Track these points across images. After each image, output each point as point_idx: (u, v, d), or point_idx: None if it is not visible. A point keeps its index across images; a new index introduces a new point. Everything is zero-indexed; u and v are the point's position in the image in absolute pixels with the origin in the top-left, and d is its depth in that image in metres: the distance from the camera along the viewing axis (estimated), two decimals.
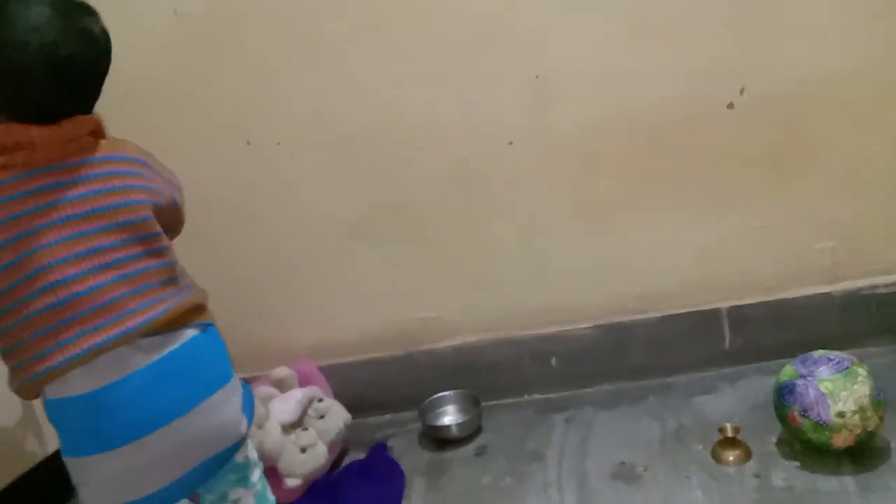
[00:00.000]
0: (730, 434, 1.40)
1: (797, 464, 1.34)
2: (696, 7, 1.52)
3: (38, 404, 1.06)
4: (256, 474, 1.16)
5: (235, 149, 1.67)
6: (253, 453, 1.16)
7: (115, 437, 0.98)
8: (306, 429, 1.56)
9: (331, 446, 1.59)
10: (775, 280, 1.66)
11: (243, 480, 1.13)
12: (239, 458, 1.11)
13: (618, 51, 1.55)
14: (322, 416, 1.61)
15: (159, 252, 1.06)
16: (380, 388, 1.80)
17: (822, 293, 1.65)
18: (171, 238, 1.13)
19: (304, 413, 1.59)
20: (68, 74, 0.99)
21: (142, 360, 0.99)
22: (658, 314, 1.70)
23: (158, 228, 1.06)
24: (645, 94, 1.57)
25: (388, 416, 1.80)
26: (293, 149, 1.67)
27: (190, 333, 1.05)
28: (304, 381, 1.70)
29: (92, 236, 0.99)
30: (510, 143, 1.62)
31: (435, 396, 1.74)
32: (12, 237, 0.95)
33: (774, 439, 1.42)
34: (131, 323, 0.99)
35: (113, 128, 1.68)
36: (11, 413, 1.59)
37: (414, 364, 1.79)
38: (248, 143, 1.68)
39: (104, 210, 1.00)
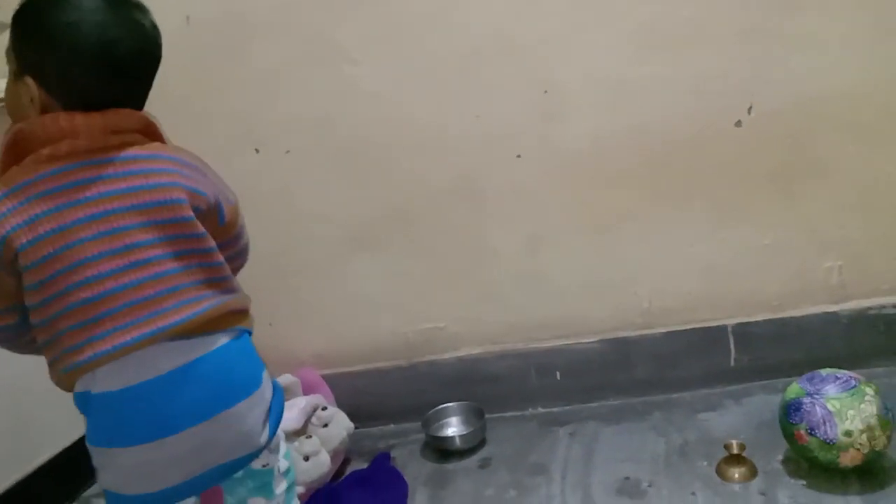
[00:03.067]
0: (735, 451, 1.39)
1: (803, 482, 1.33)
2: (705, 23, 1.52)
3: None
4: (282, 486, 1.13)
5: (245, 157, 1.69)
6: (282, 463, 1.13)
7: (136, 435, 0.98)
8: (310, 437, 1.56)
9: (334, 455, 1.59)
10: (782, 298, 1.66)
11: (264, 490, 1.10)
12: (257, 465, 1.08)
13: (626, 66, 1.56)
14: (325, 425, 1.60)
15: (202, 252, 1.04)
16: (383, 398, 1.80)
17: (829, 312, 1.65)
18: (230, 259, 1.12)
19: (307, 421, 1.59)
20: (114, 59, 0.99)
21: (169, 362, 0.99)
22: (664, 329, 1.70)
23: (201, 229, 1.04)
24: (653, 110, 1.58)
25: (391, 427, 1.80)
26: (302, 157, 1.69)
27: (222, 339, 1.03)
28: (307, 390, 1.70)
29: (130, 232, 0.98)
30: (518, 156, 1.63)
31: (439, 407, 1.74)
32: (53, 229, 0.95)
33: (780, 457, 1.41)
34: (163, 322, 0.98)
35: None
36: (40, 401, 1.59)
37: (417, 375, 1.79)
38: (258, 151, 1.69)
39: (144, 207, 0.99)
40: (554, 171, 1.64)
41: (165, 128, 1.66)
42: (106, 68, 0.99)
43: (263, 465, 1.10)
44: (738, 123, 1.57)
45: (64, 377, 0.99)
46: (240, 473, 1.07)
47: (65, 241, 0.95)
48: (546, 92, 1.58)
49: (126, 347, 0.96)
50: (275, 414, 1.10)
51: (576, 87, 1.58)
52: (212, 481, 1.04)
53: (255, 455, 1.07)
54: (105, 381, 0.98)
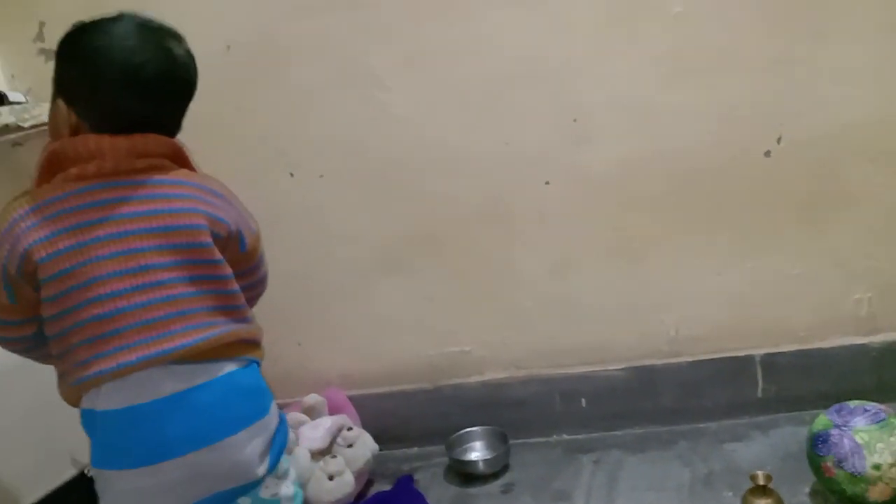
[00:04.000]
0: (761, 482, 1.37)
1: None
2: (734, 51, 1.53)
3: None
4: None
5: (280, 180, 1.73)
6: (288, 489, 1.13)
7: (133, 457, 0.99)
8: (335, 456, 1.57)
9: (358, 475, 1.60)
10: (810, 329, 1.65)
11: None
12: (265, 494, 1.08)
13: (655, 92, 1.57)
14: (350, 445, 1.62)
15: (216, 279, 1.05)
16: (407, 421, 1.81)
17: (858, 344, 1.63)
18: (249, 287, 1.15)
19: (333, 441, 1.60)
20: (140, 82, 1.02)
21: (172, 386, 0.99)
22: (690, 358, 1.69)
23: (218, 256, 1.05)
24: (681, 137, 1.59)
25: (415, 449, 1.80)
26: (334, 180, 1.72)
27: (228, 367, 1.04)
28: (333, 410, 1.72)
29: (145, 254, 1.00)
30: (547, 182, 1.65)
31: (463, 431, 1.75)
32: (72, 245, 0.98)
33: (807, 489, 1.39)
34: (169, 345, 0.99)
35: None
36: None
37: (442, 398, 1.80)
38: (292, 174, 1.73)
39: (161, 230, 1.01)
40: (582, 197, 1.65)
41: (203, 149, 1.72)
42: (131, 91, 1.02)
43: (273, 495, 1.09)
44: (768, 153, 1.57)
45: (70, 391, 1.01)
46: (248, 502, 1.07)
47: (82, 257, 0.98)
48: (575, 120, 1.60)
49: (129, 367, 0.97)
50: (277, 445, 1.09)
51: (605, 112, 1.60)
52: None
53: (252, 485, 1.06)
54: (108, 399, 0.99)
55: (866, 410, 1.31)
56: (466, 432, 1.75)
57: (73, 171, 1.00)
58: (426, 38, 1.61)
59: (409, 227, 1.73)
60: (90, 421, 1.01)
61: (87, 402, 1.01)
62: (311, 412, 1.67)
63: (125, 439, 0.99)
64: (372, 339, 1.81)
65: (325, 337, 1.82)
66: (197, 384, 1.00)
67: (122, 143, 1.01)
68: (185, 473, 0.99)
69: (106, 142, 1.01)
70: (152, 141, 1.05)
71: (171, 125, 1.10)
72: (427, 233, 1.73)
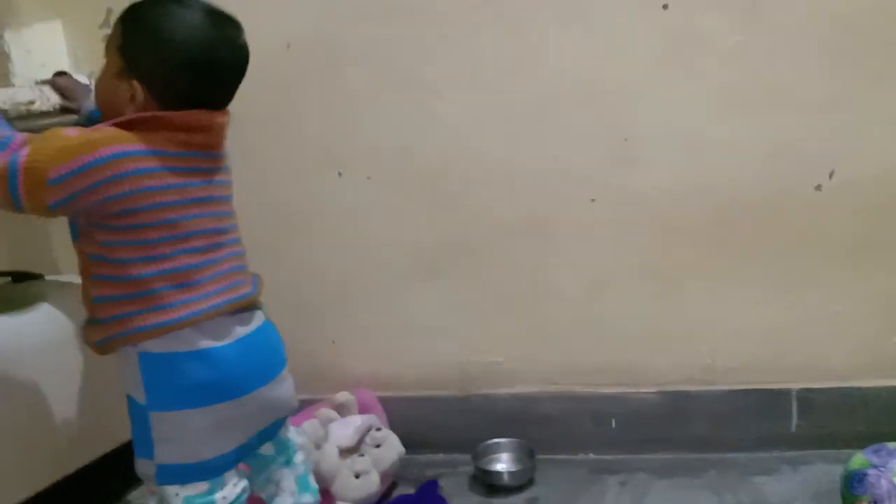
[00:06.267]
0: None
1: None
2: (788, 88, 1.54)
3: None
4: (300, 456, 1.28)
5: (328, 179, 1.75)
6: (296, 437, 1.28)
7: (220, 393, 1.08)
8: (362, 455, 1.58)
9: (383, 476, 1.61)
10: (848, 367, 1.64)
11: (288, 461, 1.26)
12: (283, 434, 1.24)
13: (706, 123, 1.58)
14: (378, 445, 1.63)
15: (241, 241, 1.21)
16: (435, 427, 1.81)
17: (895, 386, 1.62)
18: None
19: (361, 440, 1.61)
20: (218, 75, 1.11)
21: (241, 329, 1.13)
22: (725, 388, 1.68)
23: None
24: (729, 169, 1.59)
25: (441, 456, 1.80)
26: (380, 183, 1.74)
27: (262, 315, 1.19)
28: (362, 409, 1.73)
29: (223, 217, 1.15)
30: (592, 199, 1.66)
31: (490, 442, 1.75)
32: (176, 200, 1.06)
33: None
34: (236, 293, 1.13)
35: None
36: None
37: (471, 407, 1.80)
38: (340, 174, 1.75)
39: (228, 198, 1.18)
40: (625, 218, 1.66)
41: (255, 143, 1.77)
42: (209, 82, 1.10)
43: (286, 436, 1.25)
44: (819, 188, 1.57)
45: (140, 334, 1.05)
46: (270, 451, 1.23)
47: (184, 212, 1.07)
48: (626, 140, 1.61)
49: (215, 309, 1.08)
50: None
51: (654, 138, 1.60)
52: (250, 450, 1.17)
53: (284, 420, 1.23)
54: (195, 340, 1.07)
55: None
56: (494, 443, 1.75)
57: (182, 136, 1.08)
58: (482, 50, 1.63)
59: (449, 235, 1.74)
60: (163, 364, 1.06)
61: (159, 346, 1.05)
62: (342, 409, 1.68)
63: (211, 378, 1.07)
64: (405, 342, 1.82)
65: (359, 337, 1.84)
66: (254, 328, 1.15)
67: (222, 120, 1.13)
68: (257, 405, 1.13)
69: (217, 119, 1.12)
70: (227, 118, 1.16)
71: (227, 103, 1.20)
72: (467, 242, 1.74)
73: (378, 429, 1.65)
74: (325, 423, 1.62)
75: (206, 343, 1.07)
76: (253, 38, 1.69)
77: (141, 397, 1.07)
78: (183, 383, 1.06)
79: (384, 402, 1.79)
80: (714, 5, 1.52)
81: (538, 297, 1.74)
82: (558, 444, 1.75)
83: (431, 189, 1.72)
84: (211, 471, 1.10)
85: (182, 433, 1.07)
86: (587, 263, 1.70)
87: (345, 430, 1.60)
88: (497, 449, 1.75)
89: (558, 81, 1.62)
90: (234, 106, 1.73)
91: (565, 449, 1.75)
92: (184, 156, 1.08)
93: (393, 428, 1.74)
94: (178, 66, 1.06)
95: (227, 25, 1.12)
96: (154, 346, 1.05)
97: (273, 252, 1.81)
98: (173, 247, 1.06)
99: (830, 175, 1.56)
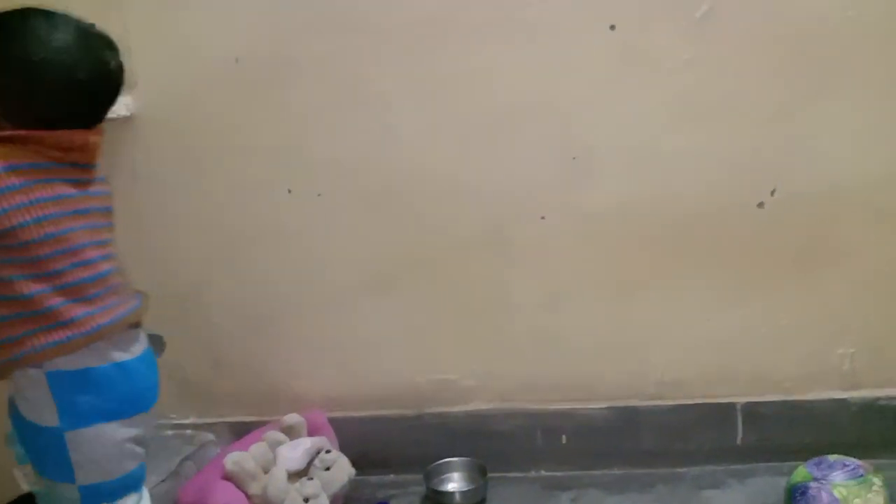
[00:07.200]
0: None
1: None
2: (737, 100, 1.56)
3: None
4: None
5: (278, 195, 1.72)
6: None
7: (135, 404, 1.10)
8: (311, 479, 1.55)
9: (333, 500, 1.58)
10: (793, 380, 1.67)
11: None
12: None
13: (656, 137, 1.60)
14: (328, 468, 1.59)
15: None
16: (387, 447, 1.79)
17: (839, 399, 1.66)
18: None
19: (310, 463, 1.58)
20: (79, 95, 1.08)
21: (139, 345, 1.14)
22: (673, 402, 1.70)
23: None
24: (679, 181, 1.61)
25: (392, 477, 1.78)
26: (332, 200, 1.71)
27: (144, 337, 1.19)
28: (312, 431, 1.70)
29: (102, 230, 1.13)
30: (542, 217, 1.66)
31: (441, 461, 1.73)
32: (56, 213, 1.04)
33: None
34: (130, 307, 1.13)
35: (169, 162, 1.75)
36: None
37: (424, 426, 1.78)
38: (290, 191, 1.73)
39: (106, 210, 1.16)
40: (578, 233, 1.67)
41: (206, 161, 1.73)
42: (70, 105, 1.07)
43: None
44: (761, 205, 1.60)
45: (50, 352, 1.02)
46: None
47: (67, 225, 1.05)
48: (575, 158, 1.62)
49: (119, 322, 1.09)
50: None
51: (606, 152, 1.62)
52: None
53: None
54: (106, 353, 1.07)
55: (845, 465, 1.33)
56: (445, 462, 1.74)
57: (56, 153, 1.05)
58: (433, 66, 1.63)
59: (401, 251, 1.73)
60: (76, 380, 1.04)
61: (69, 364, 1.03)
62: (291, 432, 1.65)
63: (125, 390, 1.08)
64: (359, 361, 1.79)
65: (313, 356, 1.81)
66: (145, 346, 1.16)
67: (96, 139, 1.11)
68: (153, 418, 1.17)
69: (91, 139, 1.09)
70: (102, 136, 1.13)
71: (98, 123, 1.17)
72: (419, 258, 1.73)
73: (328, 451, 1.62)
74: (274, 446, 1.59)
75: (119, 356, 1.08)
76: (201, 52, 1.69)
77: (51, 420, 1.03)
78: (101, 397, 1.05)
79: (336, 422, 1.76)
80: (660, 24, 1.55)
81: (492, 312, 1.74)
82: (511, 461, 1.75)
83: (383, 205, 1.71)
84: (135, 483, 1.10)
85: (103, 449, 1.05)
86: (542, 278, 1.71)
87: (293, 453, 1.56)
88: (449, 468, 1.74)
89: (510, 97, 1.62)
90: (183, 120, 1.71)
91: (518, 466, 1.75)
92: (56, 167, 1.06)
93: (344, 448, 1.72)
94: (34, 88, 1.03)
95: (98, 47, 1.09)
96: (64, 363, 1.02)
97: (222, 270, 1.78)
98: (66, 261, 1.05)
99: (773, 189, 1.59)
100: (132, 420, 1.09)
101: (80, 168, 1.10)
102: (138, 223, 1.72)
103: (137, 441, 1.11)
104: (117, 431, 1.06)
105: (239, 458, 1.51)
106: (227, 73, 1.67)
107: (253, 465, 1.52)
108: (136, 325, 1.16)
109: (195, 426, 1.84)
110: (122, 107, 1.67)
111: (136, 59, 1.67)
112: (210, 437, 1.80)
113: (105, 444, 1.06)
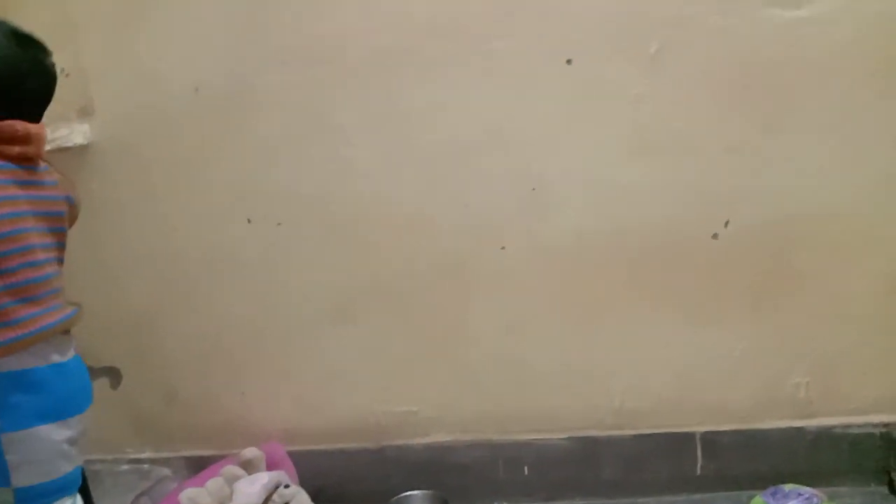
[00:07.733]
0: None
1: None
2: (692, 135, 1.59)
3: None
4: None
5: (237, 225, 1.71)
6: None
7: (72, 406, 1.11)
8: None
9: None
10: (750, 409, 1.68)
11: None
12: None
13: (613, 169, 1.61)
14: (287, 503, 1.57)
15: (62, 262, 1.20)
16: (347, 481, 1.76)
17: (795, 427, 1.67)
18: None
19: (268, 498, 1.55)
20: (19, 91, 1.11)
21: (72, 350, 1.15)
22: (633, 432, 1.71)
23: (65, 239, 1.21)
24: (635, 213, 1.63)
25: None
26: (291, 230, 1.71)
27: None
28: (271, 465, 1.67)
29: (47, 233, 1.14)
30: (503, 247, 1.67)
31: (402, 495, 1.71)
32: (9, 213, 1.06)
33: None
34: (69, 311, 1.14)
35: (126, 190, 1.74)
36: None
37: (384, 459, 1.76)
38: (249, 221, 1.71)
39: (52, 214, 1.16)
40: (537, 264, 1.68)
41: (165, 189, 1.71)
42: (13, 101, 1.11)
43: None
44: (715, 236, 1.63)
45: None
46: None
47: (19, 225, 1.07)
48: (534, 189, 1.64)
49: (59, 325, 1.10)
50: None
51: (564, 185, 1.64)
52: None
53: None
54: (51, 353, 1.08)
55: (800, 495, 1.35)
56: (406, 496, 1.71)
57: (3, 147, 1.07)
58: (393, 98, 1.64)
59: (361, 282, 1.72)
60: (20, 380, 1.04)
61: (12, 364, 1.03)
62: (249, 466, 1.62)
63: (69, 389, 1.11)
64: (318, 393, 1.77)
65: (270, 389, 1.78)
66: (76, 354, 1.16)
67: (39, 130, 1.13)
68: (84, 429, 1.15)
69: (33, 129, 1.11)
70: (45, 131, 1.16)
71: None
72: (379, 288, 1.72)
73: (286, 485, 1.59)
74: (231, 481, 1.55)
75: (57, 358, 1.09)
76: (160, 81, 1.68)
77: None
78: (40, 399, 1.05)
79: (295, 456, 1.73)
80: (616, 59, 1.57)
81: (453, 343, 1.74)
82: (473, 493, 1.73)
83: (343, 235, 1.71)
84: (71, 485, 1.10)
85: (41, 451, 1.05)
86: (501, 309, 1.71)
87: (251, 488, 1.53)
88: (410, 502, 1.71)
89: (468, 130, 1.64)
90: (141, 149, 1.70)
91: (479, 498, 1.74)
92: (7, 169, 1.07)
93: (304, 483, 1.69)
94: None
95: (31, 46, 1.14)
96: (6, 364, 1.02)
97: (178, 300, 1.76)
98: (15, 261, 1.05)
99: (727, 221, 1.62)
100: (68, 422, 1.09)
101: (28, 170, 1.11)
102: (94, 252, 1.70)
103: (72, 443, 1.11)
104: (54, 433, 1.07)
105: (194, 495, 1.48)
106: (186, 102, 1.66)
107: (209, 500, 1.49)
108: (67, 332, 1.16)
109: (151, 461, 1.81)
110: (78, 135, 1.66)
111: (93, 86, 1.68)
112: (166, 471, 1.76)
113: (43, 445, 1.05)
